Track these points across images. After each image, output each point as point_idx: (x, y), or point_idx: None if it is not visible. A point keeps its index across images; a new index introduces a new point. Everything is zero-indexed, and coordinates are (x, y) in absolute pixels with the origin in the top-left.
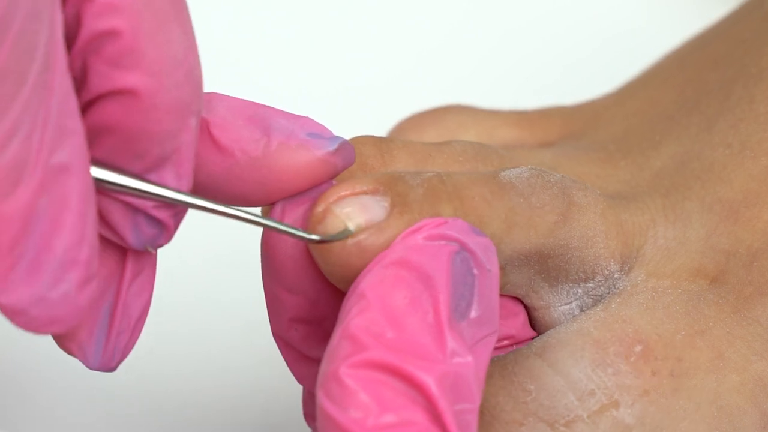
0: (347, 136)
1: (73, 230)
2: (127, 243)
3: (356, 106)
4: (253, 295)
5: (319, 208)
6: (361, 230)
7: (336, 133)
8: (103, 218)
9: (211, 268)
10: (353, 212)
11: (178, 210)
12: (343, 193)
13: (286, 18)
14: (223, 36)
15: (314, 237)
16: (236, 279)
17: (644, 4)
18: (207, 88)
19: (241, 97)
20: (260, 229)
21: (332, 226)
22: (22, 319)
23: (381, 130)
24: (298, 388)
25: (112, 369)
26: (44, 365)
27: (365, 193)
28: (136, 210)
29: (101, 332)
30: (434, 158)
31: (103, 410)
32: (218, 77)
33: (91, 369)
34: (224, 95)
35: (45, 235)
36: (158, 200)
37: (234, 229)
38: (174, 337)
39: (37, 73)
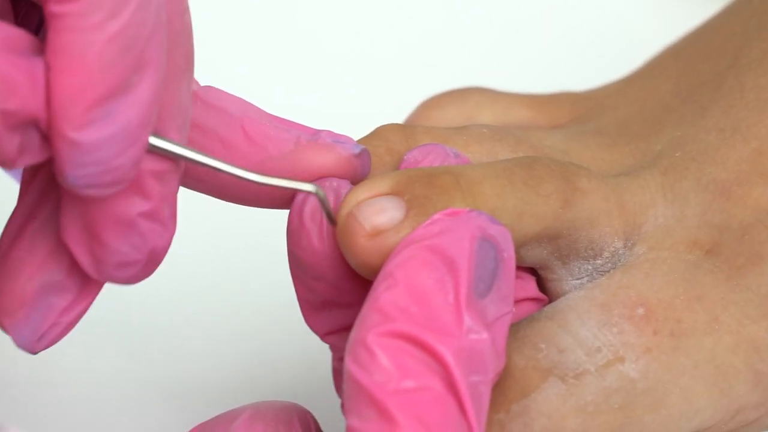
0: (356, 127)
1: (145, 114)
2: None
3: (370, 94)
4: (272, 281)
5: (343, 212)
6: (379, 232)
7: (342, 123)
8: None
9: (229, 259)
10: (372, 215)
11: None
12: (363, 197)
13: (293, 4)
14: (228, 25)
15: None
16: (256, 267)
17: (646, 4)
18: (213, 81)
19: (245, 89)
20: (271, 225)
21: (354, 230)
22: (76, 154)
23: (390, 119)
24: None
25: (34, 353)
26: (54, 366)
27: (384, 194)
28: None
29: (38, 316)
30: (454, 140)
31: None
32: (221, 69)
33: (18, 346)
34: (257, 107)
35: (125, 103)
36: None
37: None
38: (186, 326)
39: None
